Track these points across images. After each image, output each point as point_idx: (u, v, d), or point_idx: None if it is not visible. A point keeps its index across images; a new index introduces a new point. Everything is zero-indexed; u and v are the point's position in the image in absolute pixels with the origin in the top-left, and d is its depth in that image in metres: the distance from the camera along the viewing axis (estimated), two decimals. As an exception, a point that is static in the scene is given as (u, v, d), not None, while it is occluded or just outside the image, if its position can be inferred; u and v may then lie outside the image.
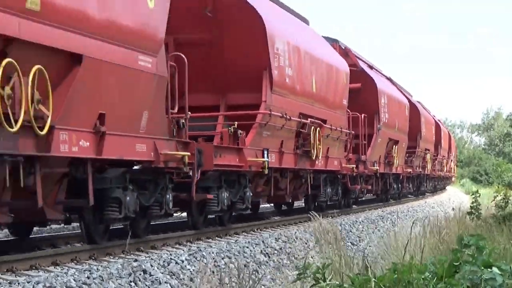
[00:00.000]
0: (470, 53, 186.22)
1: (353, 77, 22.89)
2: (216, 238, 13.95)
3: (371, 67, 27.72)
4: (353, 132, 22.40)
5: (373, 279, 5.28)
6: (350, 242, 16.68)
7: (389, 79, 31.50)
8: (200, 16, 14.68)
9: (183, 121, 12.25)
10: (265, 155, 15.22)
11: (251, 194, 15.20)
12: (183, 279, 9.92)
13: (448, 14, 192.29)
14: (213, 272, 10.46)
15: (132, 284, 9.07)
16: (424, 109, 40.53)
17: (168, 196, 11.98)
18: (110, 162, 10.50)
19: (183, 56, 12.42)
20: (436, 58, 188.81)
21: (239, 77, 15.12)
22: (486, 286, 5.11)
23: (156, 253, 11.21)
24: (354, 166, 22.17)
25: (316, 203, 20.61)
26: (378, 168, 25.52)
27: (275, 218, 18.96)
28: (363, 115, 23.52)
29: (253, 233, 15.09)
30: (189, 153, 11.86)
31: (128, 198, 10.82)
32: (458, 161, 73.54)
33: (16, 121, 7.94)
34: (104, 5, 9.54)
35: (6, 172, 8.23)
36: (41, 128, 8.41)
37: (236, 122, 14.36)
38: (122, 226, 12.36)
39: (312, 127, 17.77)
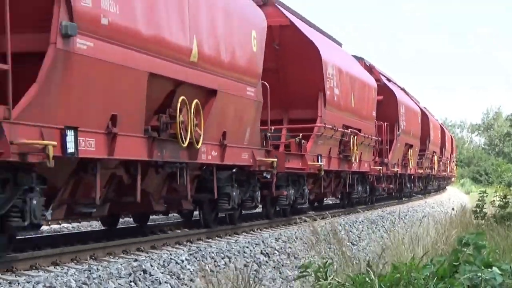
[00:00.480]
0: (470, 53, 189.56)
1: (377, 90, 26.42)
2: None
3: (389, 80, 31.24)
4: (379, 138, 26.02)
5: (374, 278, 5.41)
6: (350, 242, 16.53)
7: (403, 89, 35.01)
8: (270, 48, 18.21)
9: (269, 134, 15.82)
10: (319, 160, 18.82)
11: (308, 191, 18.84)
12: (183, 279, 9.97)
13: (448, 14, 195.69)
14: (212, 271, 10.41)
15: (132, 284, 9.08)
16: (431, 114, 44.16)
17: (257, 192, 15.52)
18: (224, 166, 14.07)
19: (266, 84, 15.95)
20: (436, 57, 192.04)
21: (299, 97, 18.78)
22: (486, 286, 5.14)
23: (156, 253, 11.23)
24: (380, 168, 25.82)
25: (349, 199, 24.28)
26: (398, 169, 29.18)
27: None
28: (385, 123, 27.10)
29: (253, 233, 15.58)
30: (276, 159, 15.42)
31: (234, 193, 14.34)
32: (458, 161, 74.69)
33: (185, 139, 11.53)
34: (230, 52, 13.15)
35: (177, 174, 11.81)
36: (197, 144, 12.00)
37: (301, 134, 17.95)
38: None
39: (351, 136, 21.35)
